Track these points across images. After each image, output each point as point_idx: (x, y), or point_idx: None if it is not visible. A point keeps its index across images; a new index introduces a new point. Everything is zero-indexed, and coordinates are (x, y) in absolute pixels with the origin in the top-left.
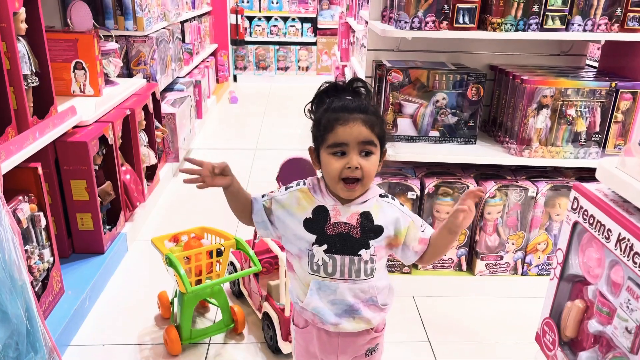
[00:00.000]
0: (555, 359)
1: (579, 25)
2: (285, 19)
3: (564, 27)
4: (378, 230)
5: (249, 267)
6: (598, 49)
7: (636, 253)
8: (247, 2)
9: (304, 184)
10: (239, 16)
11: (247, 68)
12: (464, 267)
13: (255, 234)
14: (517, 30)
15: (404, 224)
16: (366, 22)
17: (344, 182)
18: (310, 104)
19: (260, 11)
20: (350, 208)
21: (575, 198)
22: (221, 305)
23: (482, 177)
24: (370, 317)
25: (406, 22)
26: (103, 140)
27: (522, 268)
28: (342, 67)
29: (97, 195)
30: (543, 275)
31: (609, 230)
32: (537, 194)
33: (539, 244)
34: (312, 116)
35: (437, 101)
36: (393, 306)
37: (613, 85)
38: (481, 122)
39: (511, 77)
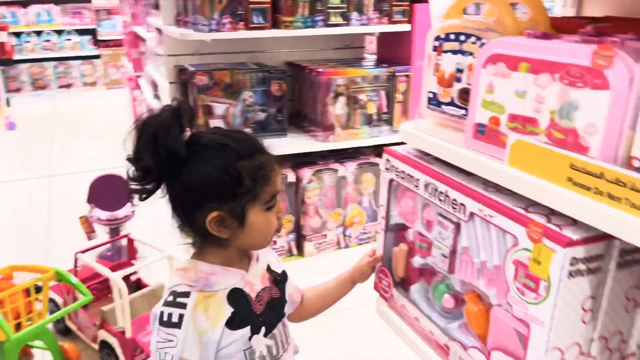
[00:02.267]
0: (392, 299)
1: (357, 20)
2: (59, 32)
3: (346, 22)
4: (283, 276)
5: (74, 299)
6: (370, 42)
7: (440, 192)
8: (12, 17)
9: (186, 295)
10: (3, 33)
11: (22, 89)
12: (295, 251)
13: (76, 260)
14: (306, 27)
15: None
16: (157, 29)
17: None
18: (139, 148)
19: (27, 26)
20: (256, 270)
21: (387, 159)
22: (50, 346)
23: (298, 166)
24: None
25: (204, 25)
26: None
27: (344, 241)
28: (135, 78)
29: None
30: (362, 244)
31: (417, 179)
32: (346, 173)
33: (355, 217)
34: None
35: (245, 100)
36: None
37: (391, 70)
38: (289, 116)
39: (307, 71)
